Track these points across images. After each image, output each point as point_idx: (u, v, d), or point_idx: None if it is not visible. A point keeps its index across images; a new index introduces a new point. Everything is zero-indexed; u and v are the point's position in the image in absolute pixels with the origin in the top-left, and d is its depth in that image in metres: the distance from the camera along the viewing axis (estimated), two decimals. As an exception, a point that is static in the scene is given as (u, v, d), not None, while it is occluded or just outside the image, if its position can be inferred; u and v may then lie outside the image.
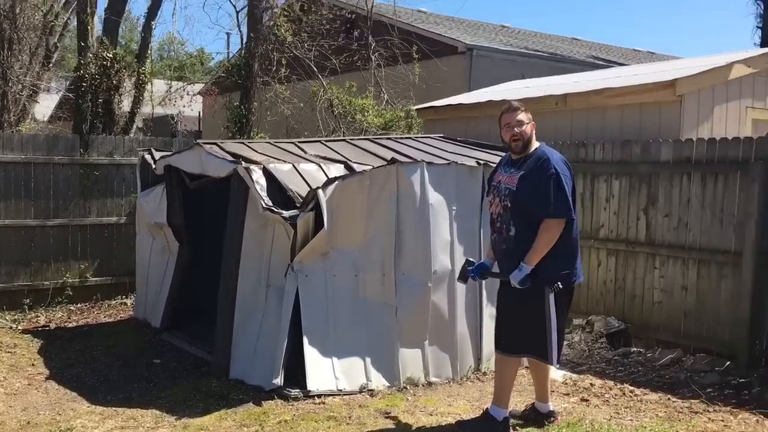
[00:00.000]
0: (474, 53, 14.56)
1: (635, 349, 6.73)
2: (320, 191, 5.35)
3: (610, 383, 5.84)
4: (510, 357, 4.61)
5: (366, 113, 11.57)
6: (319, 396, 5.24)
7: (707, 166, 6.42)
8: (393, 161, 5.82)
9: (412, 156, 6.20)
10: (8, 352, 6.52)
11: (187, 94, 14.13)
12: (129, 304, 8.45)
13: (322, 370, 5.39)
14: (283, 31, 11.58)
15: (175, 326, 6.99)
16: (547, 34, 20.65)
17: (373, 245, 5.71)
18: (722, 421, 4.93)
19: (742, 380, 5.77)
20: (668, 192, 6.73)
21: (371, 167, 5.76)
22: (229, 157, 5.93)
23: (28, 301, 8.11)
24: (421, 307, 5.79)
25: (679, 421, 4.89)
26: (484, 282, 5.87)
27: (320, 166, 6.00)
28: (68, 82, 16.35)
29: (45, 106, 17.99)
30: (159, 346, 6.69)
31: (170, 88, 14.18)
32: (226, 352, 5.73)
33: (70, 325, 7.71)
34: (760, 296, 6.01)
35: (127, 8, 12.64)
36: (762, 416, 5.00)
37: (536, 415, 4.72)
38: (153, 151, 7.63)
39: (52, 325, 7.64)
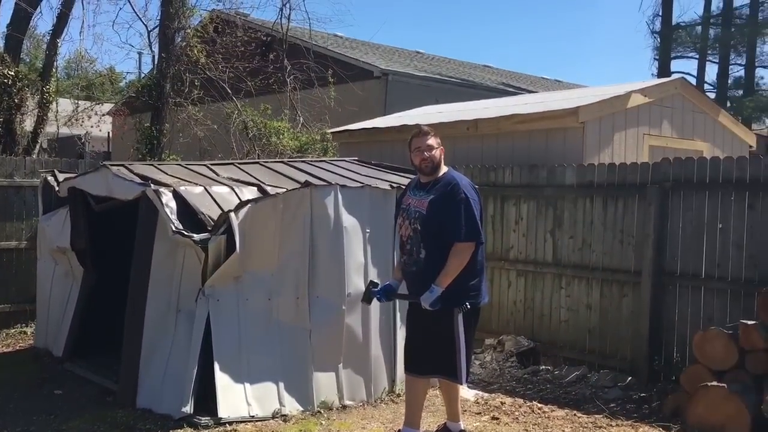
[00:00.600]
0: (389, 78, 14.81)
1: (544, 367, 6.93)
2: (232, 214, 5.29)
3: (520, 401, 5.99)
4: (419, 378, 4.67)
5: (281, 136, 11.56)
6: (230, 423, 5.13)
7: (608, 190, 6.74)
8: (307, 184, 5.82)
9: (326, 179, 6.22)
10: None
11: (95, 114, 13.70)
12: (29, 333, 8.03)
13: (234, 397, 5.28)
14: (196, 51, 11.46)
15: (78, 355, 6.68)
16: (460, 61, 21.24)
17: (286, 269, 5.67)
18: (624, 434, 5.13)
19: (643, 395, 6.03)
20: (573, 214, 7.01)
21: (285, 190, 5.74)
22: (138, 180, 5.78)
23: None
24: (335, 330, 5.78)
25: (585, 435, 5.06)
26: (398, 304, 5.92)
27: (233, 189, 5.94)
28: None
29: (-60, 124, 16.99)
30: (61, 375, 6.38)
31: (77, 107, 13.71)
32: (133, 381, 5.53)
33: (-37, 356, 7.27)
34: (658, 314, 6.32)
35: (32, 24, 12.19)
36: (661, 429, 5.24)
37: None
38: (56, 172, 7.33)
39: (-57, 357, 7.18)
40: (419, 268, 4.56)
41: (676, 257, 6.27)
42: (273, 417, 5.33)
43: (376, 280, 4.88)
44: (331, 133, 10.75)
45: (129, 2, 13.26)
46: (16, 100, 9.95)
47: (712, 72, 25.91)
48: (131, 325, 5.64)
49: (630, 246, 6.58)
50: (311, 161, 7.58)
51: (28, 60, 21.05)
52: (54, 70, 12.10)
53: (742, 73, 25.73)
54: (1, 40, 11.10)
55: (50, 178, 7.25)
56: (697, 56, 25.57)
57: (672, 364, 6.19)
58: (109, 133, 19.22)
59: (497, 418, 5.52)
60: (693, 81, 22.15)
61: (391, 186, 6.28)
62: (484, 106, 9.98)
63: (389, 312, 6.11)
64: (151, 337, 5.57)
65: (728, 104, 23.14)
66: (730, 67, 25.39)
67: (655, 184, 6.36)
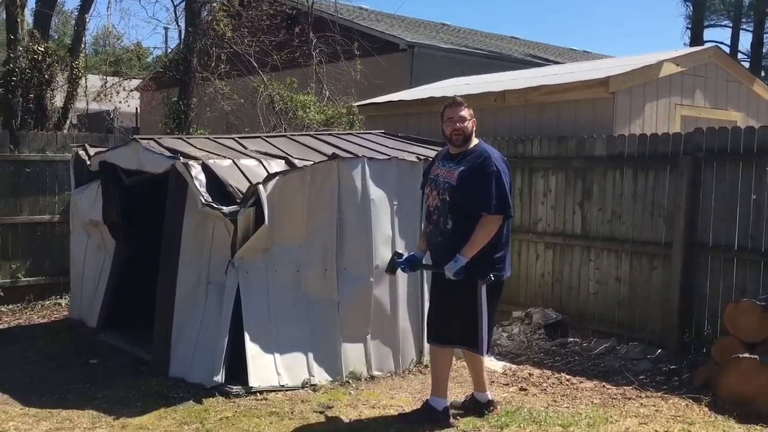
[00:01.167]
0: (415, 51, 14.68)
1: (572, 339, 6.91)
2: (261, 187, 5.32)
3: (548, 372, 5.99)
4: (443, 348, 4.69)
5: (307, 110, 11.55)
6: (261, 392, 5.21)
7: (639, 161, 6.64)
8: (334, 156, 5.83)
9: (353, 151, 6.21)
10: (-66, 355, 6.26)
11: (124, 90, 13.80)
12: (63, 305, 8.21)
13: (264, 367, 5.36)
14: (222, 26, 11.44)
15: (112, 326, 6.82)
16: (486, 32, 20.97)
17: (314, 241, 5.70)
18: (654, 406, 5.11)
19: (673, 367, 5.99)
20: (602, 186, 6.93)
21: (312, 162, 5.75)
22: (167, 153, 5.83)
23: (-45, 302, 7.81)
24: (363, 301, 5.82)
25: (613, 407, 5.05)
26: (425, 276, 5.93)
27: (261, 162, 5.96)
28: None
29: (-28, 101, 17.28)
30: (95, 346, 6.52)
31: (105, 83, 13.81)
32: (166, 351, 5.64)
33: (0, 326, 7.45)
34: (689, 287, 6.25)
35: (59, 1, 12.27)
36: (691, 401, 5.21)
37: (476, 405, 4.81)
38: (87, 147, 7.42)
39: (-18, 328, 7.37)
40: (445, 238, 4.56)
41: (708, 229, 6.18)
42: (302, 386, 5.40)
43: (400, 251, 4.88)
44: (357, 106, 10.71)
45: (155, -23, 13.27)
46: (46, 76, 10.02)
47: (746, 40, 25.36)
48: (163, 296, 5.73)
49: (661, 218, 6.49)
50: (338, 134, 7.57)
51: (56, 36, 21.25)
52: (82, 45, 12.17)
53: (777, 41, 25.07)
54: (30, 17, 11.15)
55: (81, 153, 7.34)
56: (731, 24, 24.90)
57: (702, 336, 6.13)
58: (137, 108, 19.37)
59: (525, 389, 5.53)
60: (727, 50, 21.62)
61: (418, 158, 6.26)
62: (511, 78, 9.86)
63: (417, 284, 6.12)
64: (182, 308, 5.66)
65: (762, 73, 22.58)
66: (765, 35, 24.71)
67: (688, 154, 6.26)
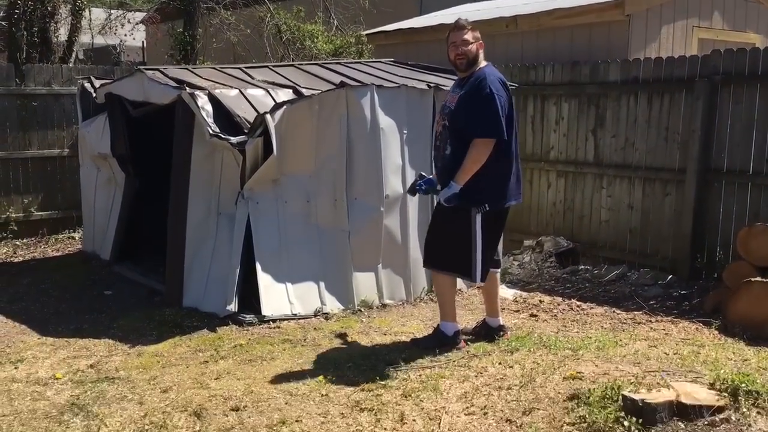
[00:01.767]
0: (425, -24, 14.24)
1: (583, 266, 6.91)
2: (268, 116, 5.25)
3: (559, 299, 6.02)
4: (439, 273, 4.70)
5: (315, 40, 11.34)
6: (273, 321, 5.28)
7: (654, 86, 6.49)
8: (342, 85, 5.73)
9: (361, 80, 6.10)
10: (-47, 288, 6.37)
11: (128, 22, 13.59)
12: (77, 238, 8.29)
13: (277, 296, 5.41)
14: (226, -48, 11.14)
15: (125, 258, 6.89)
16: (498, -43, 20.28)
17: (324, 170, 5.66)
18: (663, 330, 5.14)
19: (683, 292, 6.00)
20: (616, 112, 6.80)
21: (320, 91, 5.66)
22: (173, 83, 5.75)
23: (-30, 237, 7.90)
24: (374, 231, 5.81)
25: (623, 331, 5.08)
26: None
27: (268, 92, 5.88)
28: (0, 11, 15.55)
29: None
30: (110, 277, 6.60)
31: (110, 15, 13.59)
32: (179, 281, 5.69)
33: (16, 260, 7.55)
34: (702, 212, 6.20)
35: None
36: (701, 324, 5.23)
37: (487, 330, 4.85)
38: (93, 79, 7.34)
39: (-2, 261, 7.48)
40: (444, 163, 4.50)
41: (723, 153, 6.08)
42: (315, 315, 5.46)
43: (424, 173, 4.83)
44: (366, 35, 10.49)
45: None
46: (49, 9, 9.87)
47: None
48: (174, 228, 5.75)
49: (675, 143, 6.39)
50: (347, 63, 7.43)
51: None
52: (84, -23, 11.91)
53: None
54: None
55: (87, 85, 7.27)
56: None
57: (714, 261, 6.11)
58: (143, 42, 19.11)
59: (536, 316, 5.57)
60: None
61: (428, 86, 6.14)
62: (524, 2, 9.56)
63: (428, 213, 6.08)
64: (193, 239, 5.68)
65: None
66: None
67: (704, 77, 6.10)
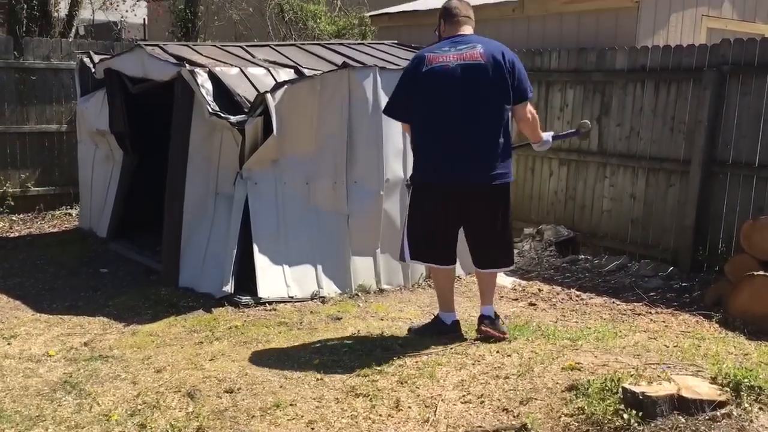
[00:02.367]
0: (431, -41, 14.07)
1: (583, 256, 6.86)
2: (269, 95, 5.17)
3: (558, 288, 5.97)
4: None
5: (318, 20, 11.17)
6: (270, 303, 5.23)
7: (661, 74, 6.40)
8: (344, 65, 5.64)
9: (364, 61, 6.01)
10: (-53, 262, 6.31)
11: (130, -2, 13.42)
12: (74, 215, 8.22)
13: (273, 278, 5.35)
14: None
15: (122, 236, 6.83)
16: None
17: (324, 152, 5.59)
18: (663, 321, 5.09)
19: (684, 284, 5.95)
20: (621, 101, 6.72)
21: (322, 72, 5.57)
22: (173, 60, 5.66)
23: (-34, 210, 7.83)
24: (373, 215, 5.75)
25: (623, 322, 5.04)
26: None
27: (269, 71, 5.79)
28: (1, -16, 15.36)
29: (-24, 9, 16.90)
30: (106, 255, 6.55)
31: (111, -9, 13.42)
32: (175, 261, 5.63)
33: (12, 235, 7.49)
34: (706, 204, 6.13)
35: None
36: (701, 317, 5.19)
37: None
38: (92, 54, 7.23)
39: (-6, 236, 7.42)
40: None
41: (729, 145, 6.01)
42: (311, 298, 5.41)
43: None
44: (370, 16, 10.37)
45: None
46: (50, -19, 9.72)
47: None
48: (171, 207, 5.68)
49: (681, 134, 6.31)
50: (349, 44, 7.32)
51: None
52: (86, -50, 11.75)
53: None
54: None
55: (86, 60, 7.17)
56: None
57: (716, 254, 6.05)
58: (144, 19, 18.92)
59: (534, 304, 5.52)
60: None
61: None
62: (531, -13, 9.45)
63: (428, 198, 6.03)
64: (191, 219, 5.62)
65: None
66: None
67: (712, 67, 6.02)
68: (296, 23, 11.10)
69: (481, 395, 3.53)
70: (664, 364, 3.65)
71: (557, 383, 3.54)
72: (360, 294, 5.60)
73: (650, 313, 5.33)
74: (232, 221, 5.36)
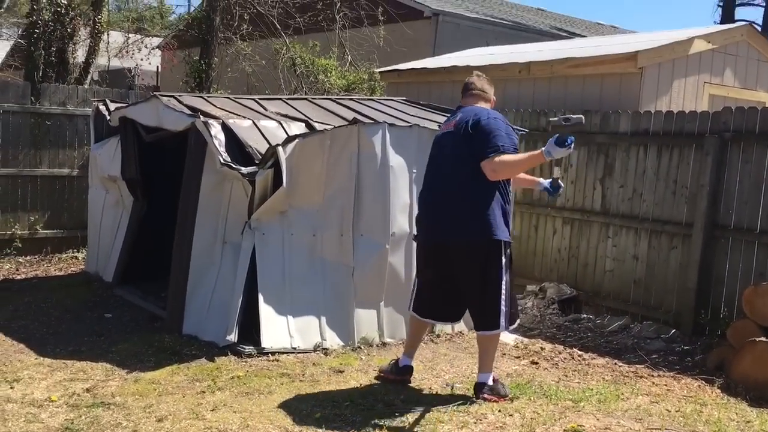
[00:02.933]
0: (440, 18, 14.44)
1: (585, 315, 6.88)
2: (280, 148, 5.28)
3: (560, 347, 5.97)
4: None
5: (329, 74, 11.45)
6: (273, 353, 5.24)
7: (664, 139, 6.53)
8: (355, 121, 5.77)
9: (374, 117, 6.15)
10: (-47, 303, 6.34)
11: (145, 47, 13.77)
12: (80, 258, 8.29)
13: (277, 328, 5.38)
14: (246, -15, 11.32)
15: (128, 281, 6.88)
16: (512, 2, 20.59)
17: (332, 205, 5.68)
18: (665, 385, 5.08)
19: (686, 348, 5.95)
20: (625, 163, 6.83)
21: (332, 126, 5.70)
22: (187, 111, 5.80)
23: (-26, 252, 7.89)
24: (378, 268, 5.80)
25: (625, 384, 5.03)
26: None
27: (281, 124, 5.92)
28: (20, 29, 15.76)
29: (-5, 53, 17.35)
30: (111, 300, 6.58)
31: (128, 39, 13.78)
32: (180, 308, 5.67)
33: (18, 277, 7.53)
34: (708, 268, 6.18)
35: (83, -46, 12.13)
36: (703, 382, 5.17)
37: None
38: (108, 101, 7.41)
39: (0, 277, 7.46)
40: None
41: (731, 210, 6.09)
42: (314, 350, 5.42)
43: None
44: (380, 72, 10.61)
45: (180, -67, 13.13)
46: (68, 29, 10.00)
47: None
48: (179, 254, 5.74)
49: (683, 197, 6.40)
50: (359, 99, 7.49)
51: (80, -9, 21.14)
52: (105, 1, 12.10)
53: (811, 22, 24.40)
54: (54, -31, 11.08)
55: (102, 107, 7.34)
56: (764, 3, 24.30)
57: (718, 318, 6.07)
58: (158, 67, 19.32)
59: (536, 363, 5.52)
60: (758, 29, 21.06)
61: (440, 126, 6.18)
62: (537, 49, 9.69)
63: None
64: (198, 266, 5.67)
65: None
66: (800, 16, 24.05)
67: (714, 134, 6.14)
68: (307, 77, 11.37)
69: (483, 455, 3.53)
70: (666, 429, 3.65)
71: (559, 445, 3.54)
72: (362, 347, 5.61)
73: (652, 375, 5.32)
74: (239, 270, 5.41)
